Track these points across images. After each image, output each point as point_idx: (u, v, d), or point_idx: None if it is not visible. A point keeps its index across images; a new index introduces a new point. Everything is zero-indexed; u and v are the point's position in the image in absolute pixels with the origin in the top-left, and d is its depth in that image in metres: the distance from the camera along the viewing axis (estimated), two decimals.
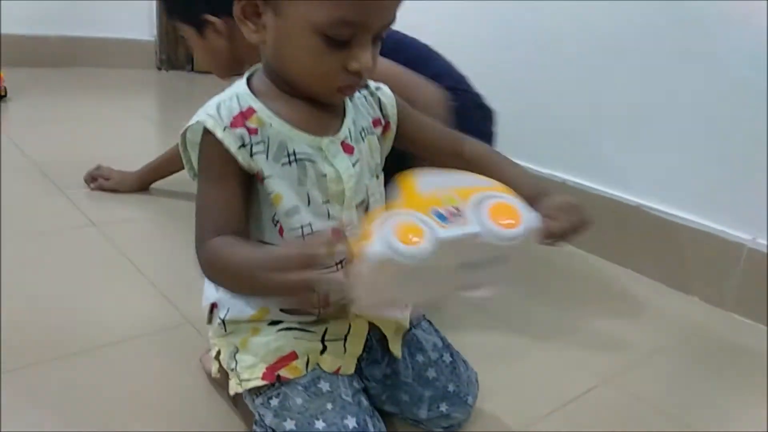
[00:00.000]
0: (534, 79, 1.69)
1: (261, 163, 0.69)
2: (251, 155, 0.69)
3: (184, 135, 0.72)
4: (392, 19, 0.68)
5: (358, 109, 0.78)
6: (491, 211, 0.59)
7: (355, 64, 0.66)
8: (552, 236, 0.70)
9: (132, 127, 2.37)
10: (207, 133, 0.68)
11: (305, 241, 0.65)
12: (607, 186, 1.55)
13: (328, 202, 0.73)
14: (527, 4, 1.67)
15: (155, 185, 1.68)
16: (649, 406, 1.00)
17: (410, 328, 0.85)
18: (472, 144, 0.86)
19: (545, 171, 1.66)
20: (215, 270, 0.69)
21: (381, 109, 0.81)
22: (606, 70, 1.53)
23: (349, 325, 0.78)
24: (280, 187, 0.70)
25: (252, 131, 0.69)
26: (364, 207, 0.76)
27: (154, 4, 3.25)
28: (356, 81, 0.69)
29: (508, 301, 1.29)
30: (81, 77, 2.87)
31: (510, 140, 1.73)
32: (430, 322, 0.89)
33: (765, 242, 1.30)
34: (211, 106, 0.70)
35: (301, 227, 0.71)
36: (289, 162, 0.70)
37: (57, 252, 1.29)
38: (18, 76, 2.43)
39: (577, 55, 1.58)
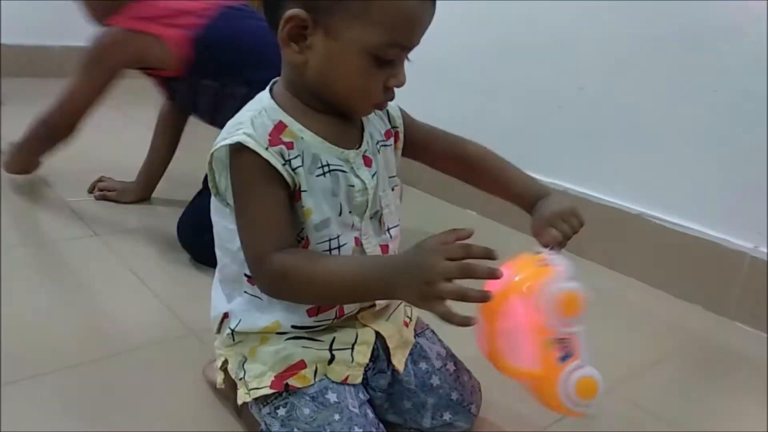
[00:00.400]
0: (535, 89, 1.69)
1: (300, 177, 0.70)
2: (293, 170, 0.70)
3: (211, 153, 0.72)
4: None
5: (372, 123, 0.80)
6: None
7: (395, 81, 0.70)
8: (559, 245, 0.72)
9: (132, 135, 2.38)
10: (245, 151, 0.68)
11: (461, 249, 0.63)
12: (610, 195, 1.56)
13: (350, 212, 0.75)
14: (528, 15, 1.67)
15: (157, 194, 1.69)
16: (651, 416, 1.00)
17: (414, 337, 0.86)
18: (473, 146, 0.88)
19: (548, 180, 1.66)
20: (289, 282, 0.69)
21: (390, 121, 0.83)
22: (606, 80, 1.53)
23: (357, 335, 0.78)
24: (312, 200, 0.71)
25: (288, 146, 0.70)
26: (378, 217, 0.78)
27: None
28: (391, 97, 0.73)
29: None
30: None
31: (512, 150, 1.73)
32: (434, 332, 0.89)
33: (767, 250, 1.30)
34: (244, 123, 0.70)
35: (329, 240, 0.73)
36: (324, 173, 0.72)
37: (59, 263, 1.29)
38: (19, 85, 2.43)
39: (579, 64, 1.59)
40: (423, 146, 0.86)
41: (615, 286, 1.48)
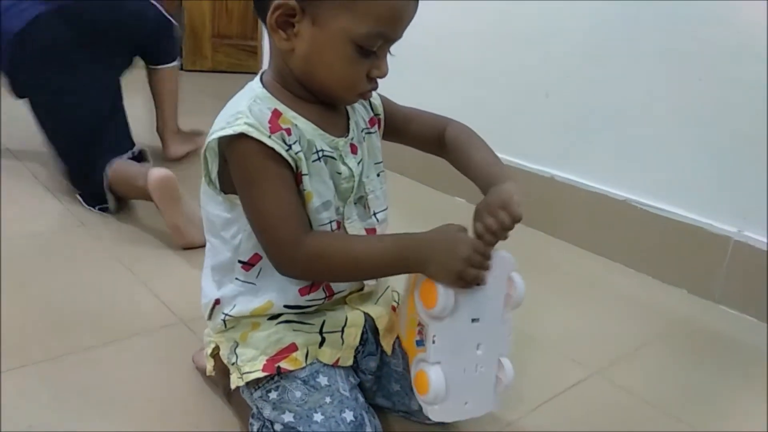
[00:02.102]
0: (522, 78, 1.70)
1: (302, 161, 0.71)
2: (295, 154, 0.70)
3: (207, 142, 0.72)
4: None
5: (357, 112, 0.81)
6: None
7: (377, 72, 0.71)
8: (481, 237, 0.71)
9: None
10: (248, 141, 0.68)
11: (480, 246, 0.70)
12: (595, 181, 1.57)
13: (335, 197, 0.76)
14: (515, 3, 1.68)
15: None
16: (637, 398, 1.02)
17: None
18: (452, 127, 0.88)
19: (534, 167, 1.67)
20: (327, 261, 0.72)
21: (372, 109, 0.84)
22: (592, 68, 1.54)
23: (346, 318, 0.79)
24: (312, 184, 0.72)
25: (287, 132, 0.70)
26: (363, 202, 0.80)
27: None
28: (375, 87, 0.74)
29: None
30: None
31: (500, 137, 1.74)
32: None
33: (751, 235, 1.31)
34: (243, 112, 0.69)
35: (330, 222, 0.74)
36: (318, 158, 0.73)
37: (47, 253, 1.29)
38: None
39: (565, 53, 1.59)
40: (402, 128, 0.88)
41: (601, 272, 1.49)
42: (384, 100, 0.87)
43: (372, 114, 0.84)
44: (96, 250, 1.31)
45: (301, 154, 0.71)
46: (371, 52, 0.69)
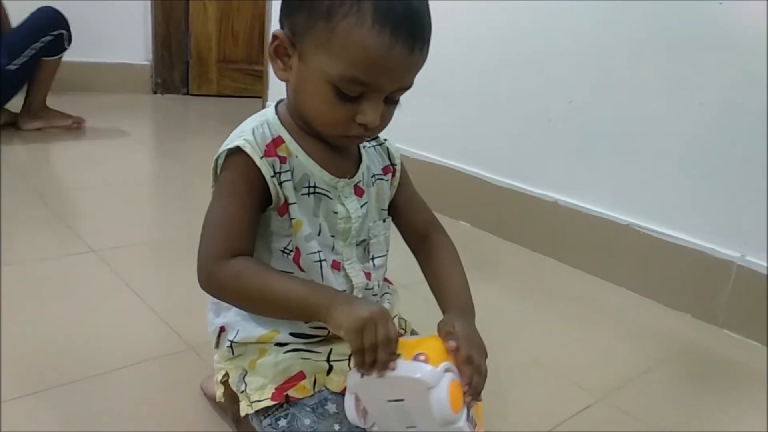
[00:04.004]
0: (524, 104, 1.72)
1: (288, 191, 0.73)
2: (280, 183, 0.72)
3: (216, 159, 0.74)
4: (408, 85, 0.70)
5: (371, 157, 0.83)
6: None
7: (361, 118, 0.69)
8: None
9: (128, 152, 2.39)
10: (241, 154, 0.71)
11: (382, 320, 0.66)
12: (598, 205, 1.58)
13: (333, 236, 0.77)
14: (519, 31, 1.70)
15: (154, 210, 1.70)
16: (643, 424, 1.02)
17: None
18: (439, 236, 0.88)
19: (538, 191, 1.69)
20: (242, 284, 0.70)
21: (389, 158, 0.86)
22: (594, 93, 1.56)
23: None
24: (300, 214, 0.74)
25: (282, 160, 0.73)
26: (365, 246, 0.81)
27: (149, 28, 3.29)
28: (362, 133, 0.72)
29: (502, 322, 1.31)
30: (78, 102, 2.89)
31: (503, 162, 1.77)
32: None
33: (753, 259, 1.32)
34: (246, 131, 0.73)
35: (318, 252, 0.75)
36: (309, 193, 0.75)
37: (57, 279, 1.30)
38: (15, 102, 2.45)
39: (567, 78, 1.62)
40: (400, 209, 0.87)
41: (605, 296, 1.50)
42: (402, 162, 0.87)
43: (388, 162, 0.85)
44: (105, 277, 1.32)
45: (289, 184, 0.72)
46: (354, 96, 0.68)
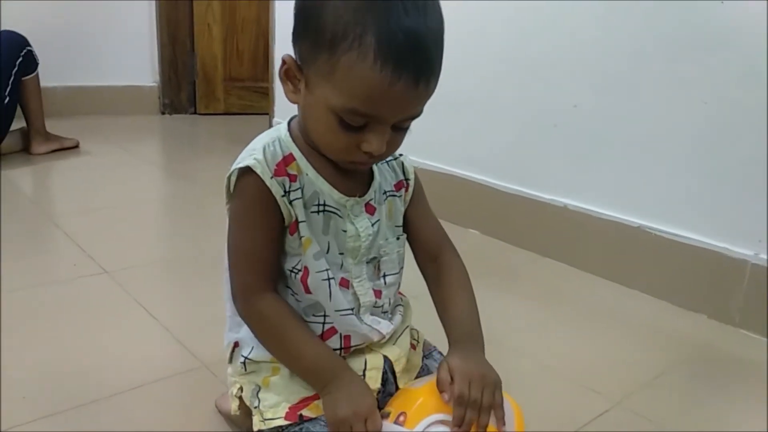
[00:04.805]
0: (529, 109, 1.72)
1: (298, 209, 0.73)
2: (290, 202, 0.73)
3: (229, 177, 0.75)
4: (415, 114, 0.70)
5: (383, 174, 0.82)
6: None
7: (367, 146, 0.69)
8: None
9: (138, 173, 2.42)
10: (252, 175, 0.72)
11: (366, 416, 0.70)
12: (609, 209, 1.58)
13: (342, 254, 0.77)
14: (522, 36, 1.71)
15: (166, 230, 1.71)
16: (659, 426, 1.01)
17: (422, 359, 0.88)
18: (451, 257, 0.86)
19: (547, 197, 1.68)
20: (262, 328, 0.76)
21: (403, 173, 0.85)
22: (600, 96, 1.56)
23: (365, 361, 0.79)
24: (309, 232, 0.74)
25: (292, 178, 0.73)
26: (375, 263, 0.80)
27: (155, 49, 3.33)
28: (368, 160, 0.72)
29: (516, 329, 1.30)
30: (86, 126, 2.92)
31: (510, 168, 1.76)
32: (441, 353, 0.91)
33: (767, 257, 1.31)
34: (257, 149, 0.73)
35: (327, 270, 0.75)
36: (318, 211, 0.75)
37: (70, 301, 1.31)
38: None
39: (572, 83, 1.62)
40: (412, 225, 0.86)
41: (618, 299, 1.49)
42: (417, 178, 0.86)
43: (402, 177, 0.84)
44: (118, 297, 1.33)
45: (299, 202, 0.73)
46: (357, 126, 0.68)
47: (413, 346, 0.87)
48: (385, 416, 0.70)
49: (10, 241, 1.58)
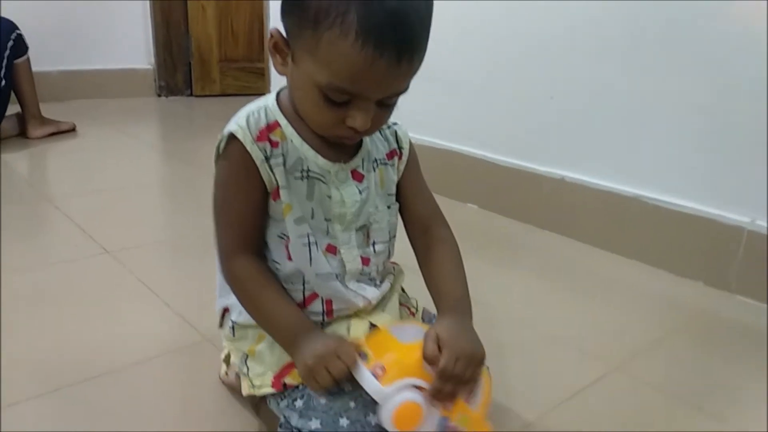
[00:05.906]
0: (526, 81, 1.72)
1: (279, 175, 0.74)
2: (271, 169, 0.74)
3: (218, 146, 0.76)
4: (400, 90, 0.70)
5: (375, 143, 0.83)
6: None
7: (351, 122, 0.70)
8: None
9: (136, 155, 2.42)
10: (235, 141, 0.73)
11: (338, 351, 0.70)
12: (605, 179, 1.58)
13: (329, 220, 0.78)
14: (519, 9, 1.70)
15: (165, 210, 1.72)
16: (659, 391, 1.03)
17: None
18: (442, 230, 0.86)
19: (544, 169, 1.69)
20: (238, 290, 0.78)
21: (397, 141, 0.85)
22: (596, 67, 1.56)
23: (348, 328, 0.80)
24: (291, 198, 0.75)
25: (274, 144, 0.74)
26: (365, 231, 0.81)
27: (150, 32, 3.31)
28: (353, 135, 0.72)
29: (515, 300, 1.32)
30: (83, 109, 2.92)
31: (507, 141, 1.77)
32: None
33: (764, 224, 1.32)
34: (241, 116, 0.75)
35: (308, 235, 0.76)
36: (302, 177, 0.76)
37: (74, 280, 1.32)
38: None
39: (570, 52, 1.61)
40: (404, 196, 0.86)
41: (616, 269, 1.50)
42: (411, 148, 0.86)
43: (395, 146, 0.84)
44: (120, 275, 1.34)
45: (280, 169, 0.74)
46: (342, 102, 0.68)
47: (413, 313, 0.88)
48: (362, 357, 0.70)
49: (11, 223, 1.59)
